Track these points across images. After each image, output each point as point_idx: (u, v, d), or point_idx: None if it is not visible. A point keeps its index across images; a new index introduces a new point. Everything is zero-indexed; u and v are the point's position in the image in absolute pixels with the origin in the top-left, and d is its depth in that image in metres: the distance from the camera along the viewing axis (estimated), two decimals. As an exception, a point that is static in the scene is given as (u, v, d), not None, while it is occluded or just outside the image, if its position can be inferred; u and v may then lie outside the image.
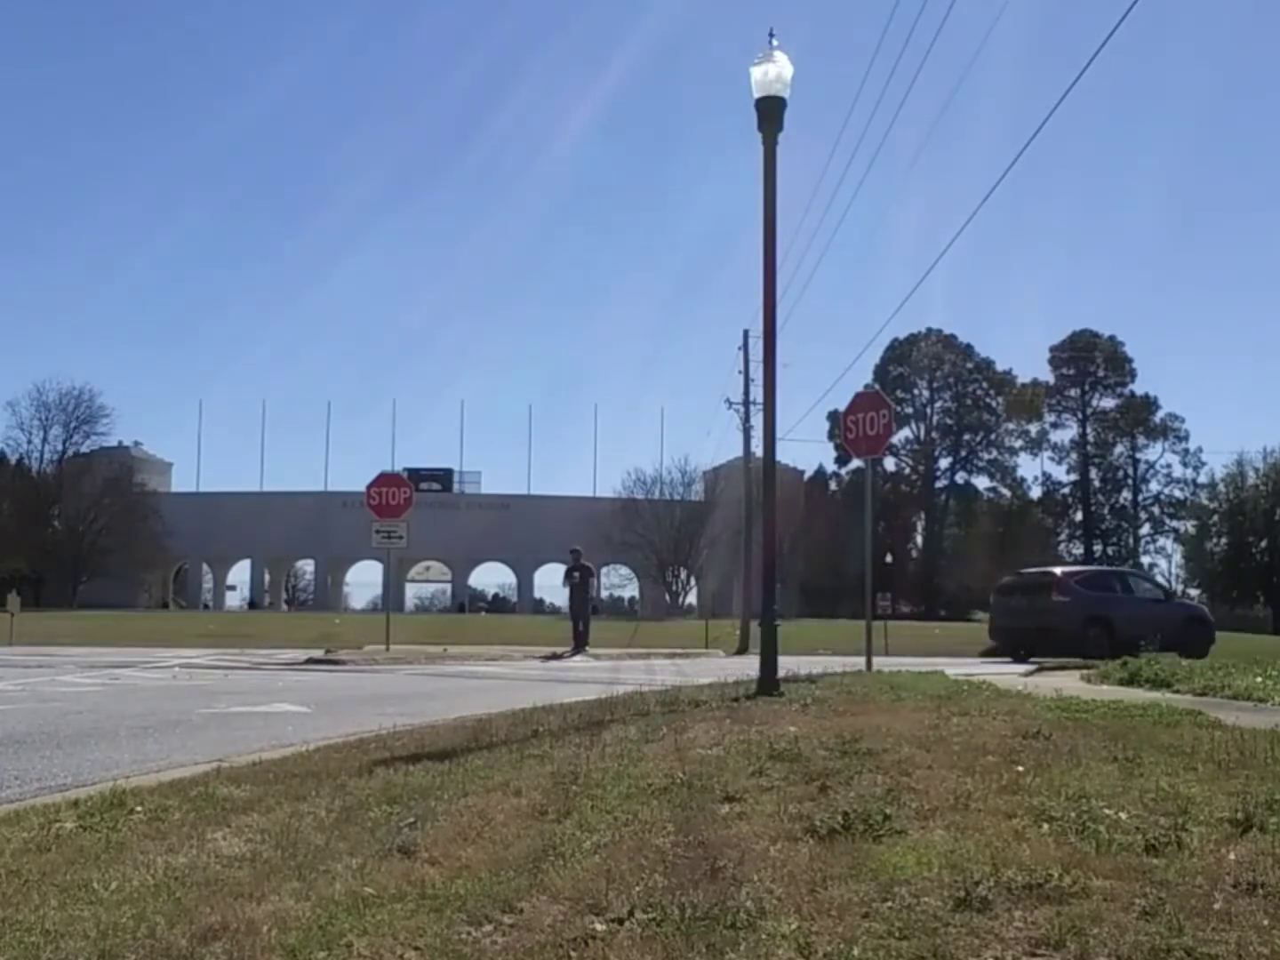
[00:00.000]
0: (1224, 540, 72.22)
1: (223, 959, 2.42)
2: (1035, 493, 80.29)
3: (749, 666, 10.80)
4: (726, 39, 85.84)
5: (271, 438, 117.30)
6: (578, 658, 19.29)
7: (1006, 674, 12.24)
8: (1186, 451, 76.74)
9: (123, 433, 72.18)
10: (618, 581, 72.12)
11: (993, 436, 79.09)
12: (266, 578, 76.43)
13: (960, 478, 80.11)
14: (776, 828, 3.49)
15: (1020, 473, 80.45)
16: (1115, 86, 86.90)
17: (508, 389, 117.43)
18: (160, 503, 64.92)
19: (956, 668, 14.17)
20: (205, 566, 74.72)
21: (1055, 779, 4.17)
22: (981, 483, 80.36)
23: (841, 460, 72.90)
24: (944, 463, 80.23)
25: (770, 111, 8.74)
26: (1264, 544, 70.52)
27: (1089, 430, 79.88)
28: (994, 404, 78.63)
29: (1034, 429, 79.39)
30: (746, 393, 32.37)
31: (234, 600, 75.10)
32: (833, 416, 58.62)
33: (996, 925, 2.54)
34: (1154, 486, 78.89)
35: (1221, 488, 73.54)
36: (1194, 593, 79.25)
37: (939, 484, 79.97)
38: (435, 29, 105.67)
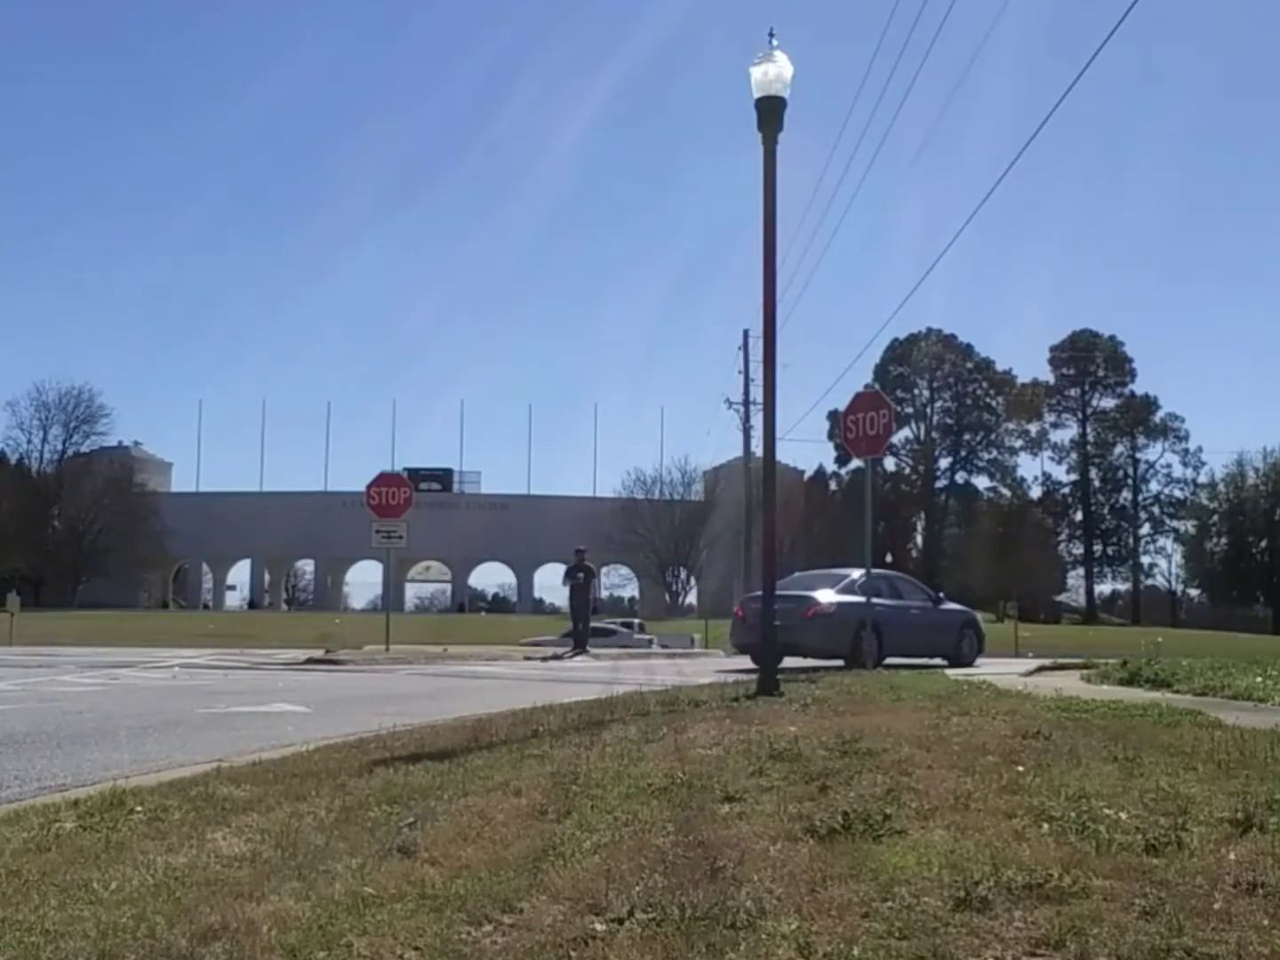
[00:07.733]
0: (1224, 540, 72.25)
1: (223, 959, 2.42)
2: (1035, 493, 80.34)
3: (749, 666, 10.79)
4: (727, 39, 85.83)
5: (271, 438, 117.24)
6: (578, 658, 19.32)
7: (1006, 674, 12.23)
8: (1186, 451, 76.70)
9: (123, 433, 72.37)
10: (618, 581, 72.10)
11: (993, 436, 79.06)
12: (266, 578, 76.49)
13: (960, 478, 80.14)
14: (776, 828, 3.49)
15: (1020, 473, 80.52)
16: (1115, 85, 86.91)
17: (508, 389, 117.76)
18: (160, 503, 64.94)
19: (956, 668, 14.17)
20: (205, 566, 74.74)
21: (1055, 779, 4.16)
22: (981, 483, 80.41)
23: (841, 460, 72.92)
24: (944, 463, 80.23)
25: (770, 111, 8.72)
26: (1264, 544, 70.55)
27: (1089, 430, 79.87)
28: (994, 404, 78.60)
29: (1034, 429, 79.43)
30: (746, 393, 32.48)
31: (234, 600, 75.19)
32: (833, 416, 58.65)
33: (996, 925, 2.54)
34: (1154, 486, 78.87)
35: (1221, 488, 73.56)
36: (1194, 592, 79.34)
37: (939, 484, 79.95)
38: (436, 29, 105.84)
